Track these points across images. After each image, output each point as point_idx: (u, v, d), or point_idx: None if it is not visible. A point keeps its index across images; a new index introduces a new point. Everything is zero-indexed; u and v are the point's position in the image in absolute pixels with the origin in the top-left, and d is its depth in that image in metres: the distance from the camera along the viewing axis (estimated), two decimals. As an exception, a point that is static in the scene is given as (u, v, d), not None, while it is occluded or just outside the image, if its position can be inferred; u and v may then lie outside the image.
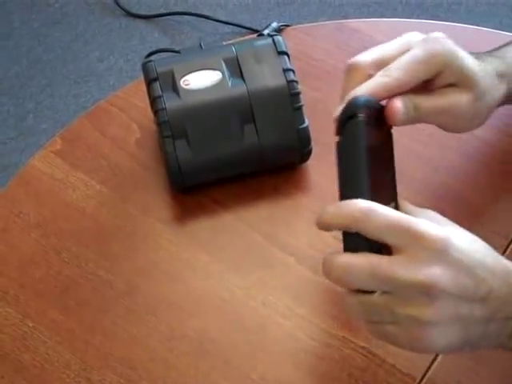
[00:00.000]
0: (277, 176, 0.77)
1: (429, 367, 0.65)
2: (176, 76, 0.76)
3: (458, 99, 0.61)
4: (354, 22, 0.91)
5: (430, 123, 0.61)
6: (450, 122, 0.63)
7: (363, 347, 0.66)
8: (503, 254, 0.70)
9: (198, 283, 0.71)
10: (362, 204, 0.50)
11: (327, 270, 0.51)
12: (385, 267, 0.49)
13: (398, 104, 0.57)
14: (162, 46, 1.71)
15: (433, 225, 0.50)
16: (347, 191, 0.52)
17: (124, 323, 0.69)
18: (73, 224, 0.76)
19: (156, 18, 1.94)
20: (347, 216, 0.50)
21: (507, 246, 0.71)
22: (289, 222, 0.74)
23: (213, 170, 0.75)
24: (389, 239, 0.50)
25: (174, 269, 0.72)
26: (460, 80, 0.61)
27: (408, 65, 0.58)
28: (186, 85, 0.76)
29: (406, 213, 0.51)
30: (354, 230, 0.50)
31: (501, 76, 0.66)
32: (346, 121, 0.54)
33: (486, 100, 0.63)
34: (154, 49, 0.88)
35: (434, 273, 0.49)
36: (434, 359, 0.65)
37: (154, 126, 0.80)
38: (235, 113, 0.74)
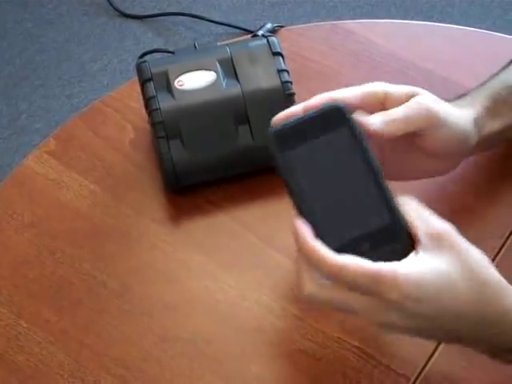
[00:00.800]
0: (272, 176, 0.77)
1: (423, 367, 0.65)
2: (170, 76, 0.76)
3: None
4: (348, 23, 0.91)
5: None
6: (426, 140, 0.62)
7: (358, 348, 0.66)
8: (497, 254, 0.70)
9: (192, 284, 0.71)
10: (331, 266, 0.53)
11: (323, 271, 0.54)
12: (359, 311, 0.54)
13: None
14: (156, 47, 1.71)
15: (399, 276, 0.52)
16: (297, 208, 0.56)
17: (118, 324, 0.69)
18: (67, 224, 0.75)
19: (150, 19, 1.94)
20: (324, 271, 0.53)
21: (501, 247, 0.71)
22: (283, 223, 0.74)
23: (207, 170, 0.75)
24: (361, 290, 0.53)
25: (169, 269, 0.72)
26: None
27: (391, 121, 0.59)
28: (180, 85, 0.76)
29: None
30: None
31: (476, 123, 0.66)
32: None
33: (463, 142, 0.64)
34: (148, 49, 0.88)
35: (392, 320, 0.53)
36: (429, 359, 0.65)
37: (148, 127, 0.80)
38: (229, 113, 0.74)
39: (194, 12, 1.92)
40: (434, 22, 0.93)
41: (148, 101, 0.75)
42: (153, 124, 0.74)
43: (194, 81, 0.76)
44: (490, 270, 0.54)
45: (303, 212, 0.56)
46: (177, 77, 0.76)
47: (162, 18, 1.94)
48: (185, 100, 0.75)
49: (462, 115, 0.64)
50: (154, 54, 0.86)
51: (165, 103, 0.74)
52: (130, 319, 0.69)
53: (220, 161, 0.75)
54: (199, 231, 0.74)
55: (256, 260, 0.72)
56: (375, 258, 0.54)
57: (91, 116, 0.84)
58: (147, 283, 0.71)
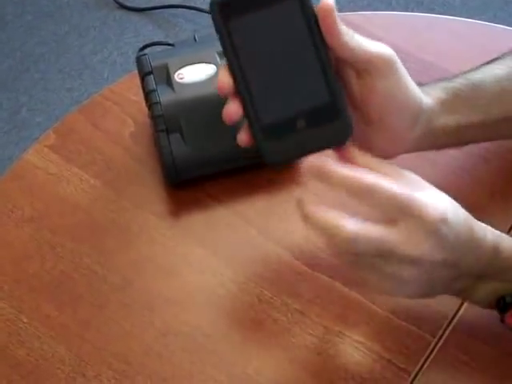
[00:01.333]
0: (272, 169, 0.77)
1: (424, 362, 0.65)
2: (170, 70, 0.75)
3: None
4: (349, 15, 0.91)
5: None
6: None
7: (360, 342, 0.66)
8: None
9: (192, 278, 0.71)
10: (368, 179, 0.55)
11: (333, 238, 0.55)
12: (391, 243, 0.55)
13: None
14: (156, 39, 1.70)
15: (430, 200, 0.55)
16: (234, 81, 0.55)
17: (119, 318, 0.69)
18: (67, 219, 0.75)
19: (150, 11, 1.94)
20: (353, 186, 0.55)
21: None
22: (284, 217, 0.74)
23: (207, 164, 0.75)
24: (391, 214, 0.55)
25: (169, 263, 0.72)
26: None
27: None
28: (181, 78, 0.75)
29: (386, 172, 0.56)
30: (357, 201, 0.55)
31: (426, 111, 0.63)
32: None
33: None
34: (148, 42, 0.88)
35: (426, 249, 0.55)
36: (430, 354, 0.65)
37: (148, 120, 0.79)
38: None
39: (193, 4, 1.92)
40: (435, 14, 0.93)
41: (148, 94, 0.75)
42: (153, 117, 0.74)
43: (194, 74, 0.75)
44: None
45: (240, 86, 0.55)
46: (177, 70, 0.76)
47: (162, 10, 1.93)
48: (185, 93, 0.74)
49: (418, 91, 0.62)
50: (155, 47, 0.85)
51: (165, 97, 0.74)
52: (131, 314, 0.69)
53: (220, 155, 0.75)
54: (199, 225, 0.74)
55: (256, 254, 0.72)
56: (312, 136, 0.55)
57: (91, 109, 0.84)
58: (147, 278, 0.71)
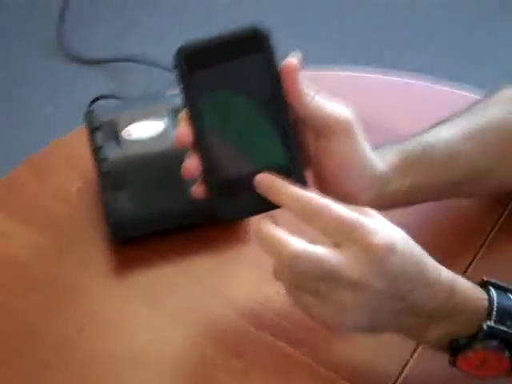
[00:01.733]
0: (219, 228, 0.77)
1: (405, 365, 0.65)
2: (119, 126, 0.75)
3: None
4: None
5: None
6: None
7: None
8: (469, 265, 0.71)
9: (138, 337, 0.70)
10: (317, 200, 0.55)
11: (277, 253, 0.56)
12: (331, 265, 0.54)
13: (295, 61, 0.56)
14: (108, 92, 1.69)
15: (379, 229, 0.55)
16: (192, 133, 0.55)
17: (60, 378, 0.67)
18: (7, 275, 0.74)
19: (103, 64, 1.93)
20: (302, 208, 0.55)
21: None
22: (230, 275, 0.74)
23: (154, 222, 0.75)
24: (337, 237, 0.55)
25: (113, 322, 0.71)
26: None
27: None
28: (129, 135, 0.75)
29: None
30: (305, 222, 0.55)
31: (380, 177, 0.64)
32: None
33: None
34: (99, 95, 0.88)
35: (369, 276, 0.55)
36: (410, 358, 0.65)
37: (95, 176, 0.79)
38: (178, 165, 0.73)
39: (148, 58, 1.92)
40: (384, 68, 0.95)
41: (95, 150, 0.75)
42: (100, 174, 0.74)
43: (143, 131, 0.75)
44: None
45: (199, 139, 0.55)
46: (125, 126, 0.76)
47: (115, 63, 1.93)
48: (132, 150, 0.74)
49: (373, 158, 0.63)
50: (105, 101, 0.85)
51: (112, 153, 0.74)
52: (73, 373, 0.67)
53: (167, 213, 0.74)
54: (145, 283, 0.73)
55: (202, 313, 0.71)
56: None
57: (38, 163, 0.83)
58: (91, 336, 0.70)
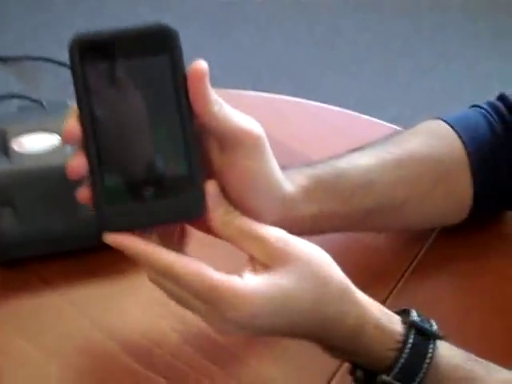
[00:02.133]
0: (114, 252, 0.71)
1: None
2: (8, 137, 0.70)
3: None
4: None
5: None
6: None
7: None
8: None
9: (13, 372, 0.64)
10: (162, 261, 0.51)
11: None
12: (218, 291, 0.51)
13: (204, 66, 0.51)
14: (15, 91, 1.62)
15: (238, 301, 0.51)
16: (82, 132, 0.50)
17: None
18: None
19: (12, 61, 1.85)
20: (155, 266, 0.52)
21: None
22: (122, 307, 0.68)
23: (42, 243, 0.69)
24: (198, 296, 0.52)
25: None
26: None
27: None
28: (19, 147, 0.69)
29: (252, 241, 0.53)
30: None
31: (286, 198, 0.60)
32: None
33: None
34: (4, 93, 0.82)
35: (229, 329, 0.53)
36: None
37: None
38: (70, 182, 0.68)
39: (60, 58, 1.84)
40: (304, 93, 0.92)
41: (-20, 161, 0.68)
42: (-17, 188, 0.67)
43: (36, 144, 0.70)
44: (332, 270, 0.54)
45: (88, 140, 0.50)
46: (16, 138, 0.70)
47: (25, 62, 1.85)
48: (22, 164, 0.68)
49: (281, 177, 0.59)
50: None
51: (-1, 166, 0.67)
52: None
53: (56, 234, 0.69)
54: (25, 312, 0.67)
55: (86, 347, 0.65)
56: (160, 207, 0.51)
57: None
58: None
